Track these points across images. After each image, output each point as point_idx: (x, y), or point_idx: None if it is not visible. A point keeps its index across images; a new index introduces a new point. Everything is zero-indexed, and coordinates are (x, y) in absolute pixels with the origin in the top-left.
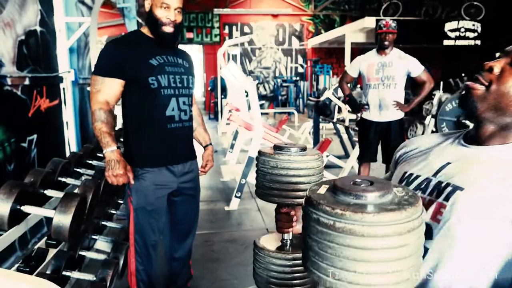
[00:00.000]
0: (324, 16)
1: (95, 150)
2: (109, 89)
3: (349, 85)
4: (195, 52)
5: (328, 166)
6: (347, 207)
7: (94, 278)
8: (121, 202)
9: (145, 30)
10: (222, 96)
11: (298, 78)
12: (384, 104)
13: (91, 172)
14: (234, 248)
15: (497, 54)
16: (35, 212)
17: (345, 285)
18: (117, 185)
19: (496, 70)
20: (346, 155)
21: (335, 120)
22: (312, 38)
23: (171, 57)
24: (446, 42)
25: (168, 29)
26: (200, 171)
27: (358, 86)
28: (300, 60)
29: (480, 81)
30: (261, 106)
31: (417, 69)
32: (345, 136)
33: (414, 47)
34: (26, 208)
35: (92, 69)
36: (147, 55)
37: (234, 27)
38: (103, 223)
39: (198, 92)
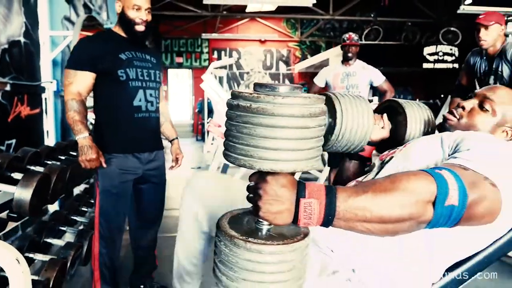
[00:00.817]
0: (310, 42)
1: (68, 147)
2: (81, 82)
3: None
4: (185, 77)
5: (305, 178)
6: (262, 92)
7: (55, 257)
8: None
9: (116, 29)
10: (210, 118)
11: None
12: None
13: None
14: None
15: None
16: None
17: (255, 161)
18: (89, 170)
19: (467, 108)
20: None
21: None
22: (298, 63)
23: (139, 53)
24: (425, 66)
25: (141, 28)
26: (173, 166)
27: None
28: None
29: (454, 114)
30: None
31: (379, 79)
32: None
33: (397, 71)
34: None
35: None
36: (117, 51)
37: (223, 52)
38: (72, 217)
39: (187, 114)
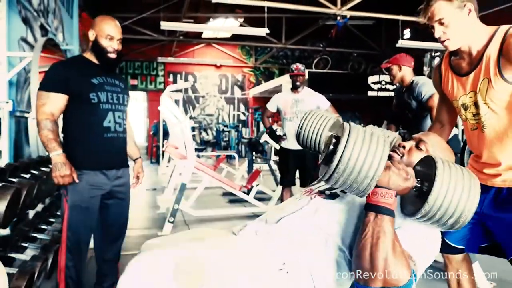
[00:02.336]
0: (264, 69)
1: (30, 165)
2: (54, 103)
3: (270, 119)
4: (139, 101)
5: (259, 198)
6: None
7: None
8: (53, 220)
9: (87, 55)
10: (165, 141)
11: (240, 124)
12: None
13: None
14: None
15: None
16: None
17: None
18: (53, 187)
19: (407, 148)
20: None
21: (271, 160)
22: (253, 88)
23: (110, 79)
24: (370, 93)
25: (112, 56)
26: (134, 184)
27: None
28: (242, 108)
29: (397, 153)
30: (204, 150)
31: (324, 104)
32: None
33: (345, 98)
34: None
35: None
36: (90, 75)
37: (178, 76)
38: (33, 234)
39: (141, 137)
